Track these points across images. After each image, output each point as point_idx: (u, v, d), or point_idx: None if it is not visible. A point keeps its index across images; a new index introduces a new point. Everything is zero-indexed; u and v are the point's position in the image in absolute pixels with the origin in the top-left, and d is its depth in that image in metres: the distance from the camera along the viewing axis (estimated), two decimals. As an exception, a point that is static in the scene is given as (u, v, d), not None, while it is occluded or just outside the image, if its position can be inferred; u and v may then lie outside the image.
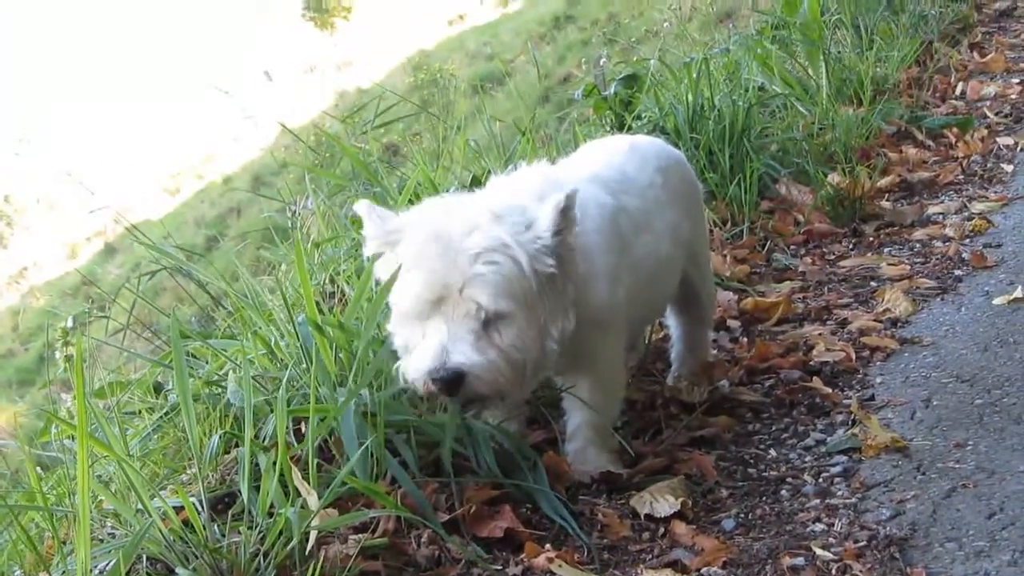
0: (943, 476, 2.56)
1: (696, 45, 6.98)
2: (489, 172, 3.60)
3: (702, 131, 4.69)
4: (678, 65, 5.42)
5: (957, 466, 2.60)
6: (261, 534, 2.16)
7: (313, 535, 2.16)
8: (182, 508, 2.15)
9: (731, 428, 2.94)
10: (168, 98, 27.16)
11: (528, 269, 2.29)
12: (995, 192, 4.77)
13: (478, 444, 2.51)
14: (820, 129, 5.31)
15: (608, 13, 21.16)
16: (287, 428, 2.33)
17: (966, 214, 4.54)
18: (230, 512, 2.32)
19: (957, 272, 3.93)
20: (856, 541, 2.32)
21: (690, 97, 4.82)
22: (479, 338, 2.27)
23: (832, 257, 4.29)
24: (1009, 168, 5.03)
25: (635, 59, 6.47)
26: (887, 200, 4.80)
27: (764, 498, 2.59)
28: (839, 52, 6.28)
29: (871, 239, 4.42)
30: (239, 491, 2.27)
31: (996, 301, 3.58)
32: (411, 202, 3.29)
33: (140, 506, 2.17)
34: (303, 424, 2.47)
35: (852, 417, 2.91)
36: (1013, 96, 6.17)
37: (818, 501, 2.54)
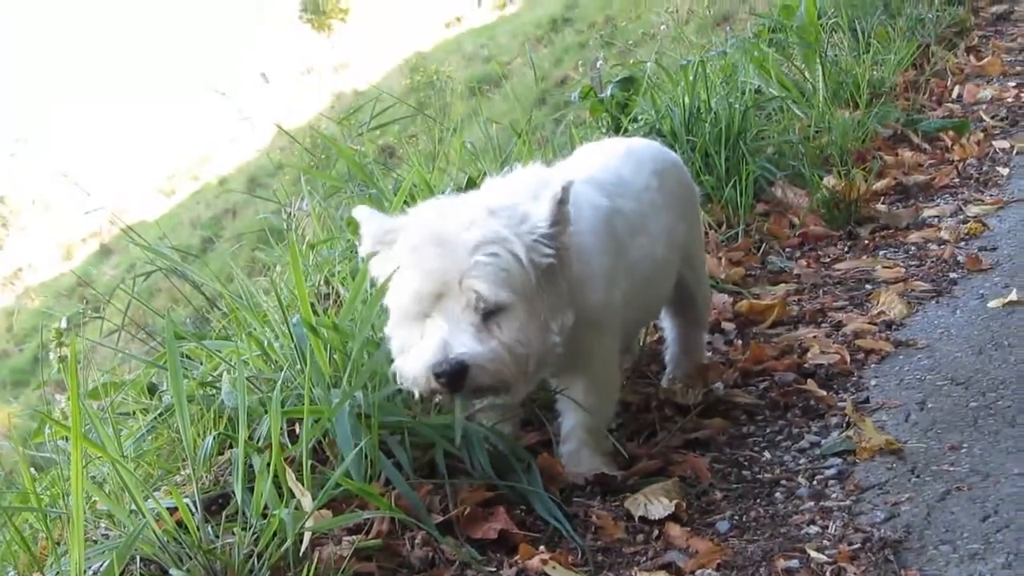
0: (937, 479, 2.56)
1: (693, 48, 6.99)
2: (485, 174, 3.59)
3: (698, 134, 4.70)
4: (675, 68, 5.43)
5: (951, 469, 2.60)
6: (255, 535, 2.16)
7: (307, 536, 2.16)
8: (176, 509, 2.15)
9: (725, 430, 2.94)
10: (164, 99, 27.16)
11: (526, 261, 2.29)
12: (990, 195, 4.78)
13: (472, 446, 2.51)
14: (816, 132, 5.32)
15: (605, 16, 21.19)
16: (281, 429, 2.33)
17: (961, 217, 4.55)
18: (224, 513, 2.32)
19: (952, 275, 3.94)
20: (850, 543, 2.32)
21: (687, 100, 4.83)
22: (480, 330, 2.26)
23: (827, 260, 4.29)
24: (1005, 171, 5.04)
25: (632, 62, 6.48)
26: (883, 203, 4.81)
27: (758, 500, 2.60)
28: (836, 55, 6.30)
29: (866, 242, 4.42)
30: (233, 492, 2.27)
31: (991, 304, 3.58)
32: (407, 203, 3.29)
33: (134, 507, 2.17)
34: (297, 425, 2.47)
35: (846, 420, 2.92)
36: (1009, 100, 6.19)
37: (812, 503, 2.54)
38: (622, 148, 3.05)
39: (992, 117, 5.88)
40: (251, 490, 2.21)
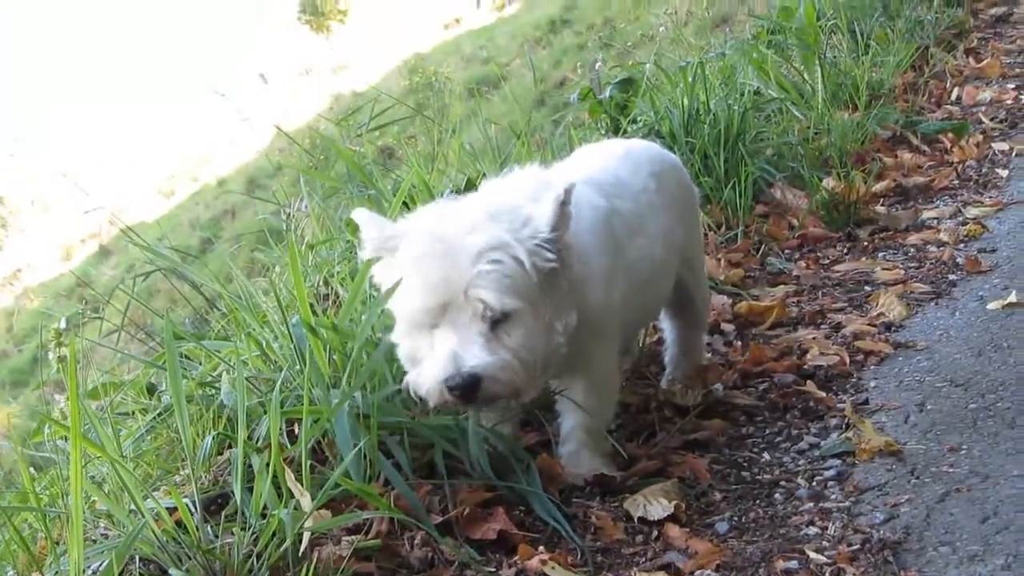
0: (937, 480, 2.56)
1: (692, 49, 7.00)
2: (484, 175, 3.60)
3: (697, 135, 4.70)
4: (674, 69, 5.44)
5: (951, 470, 2.60)
6: (254, 535, 2.16)
7: (306, 536, 2.16)
8: (175, 509, 2.15)
9: (725, 431, 2.94)
10: (163, 100, 27.16)
11: (529, 266, 2.28)
12: (990, 197, 4.78)
13: (472, 446, 2.51)
14: (815, 133, 5.32)
15: (604, 17, 21.20)
16: (280, 430, 2.33)
17: (961, 219, 4.55)
18: (223, 513, 2.32)
19: (951, 277, 3.94)
20: (850, 544, 2.32)
21: (685, 101, 4.83)
22: (489, 340, 2.26)
23: (826, 261, 4.29)
24: (1004, 173, 5.05)
25: (631, 63, 6.49)
26: (882, 205, 4.81)
27: (757, 501, 2.60)
28: (835, 57, 6.30)
29: (865, 243, 4.42)
30: (232, 492, 2.27)
31: (990, 306, 3.58)
32: (406, 205, 3.29)
33: (133, 507, 2.17)
34: (296, 426, 2.47)
35: (846, 421, 2.92)
36: (1008, 101, 6.19)
37: (812, 504, 2.54)
38: (621, 149, 3.05)
39: (991, 119, 5.88)
40: (250, 490, 2.21)
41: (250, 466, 2.28)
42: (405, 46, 25.98)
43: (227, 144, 24.52)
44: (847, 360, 3.31)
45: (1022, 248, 4.10)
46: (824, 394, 3.10)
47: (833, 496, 2.57)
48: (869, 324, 3.58)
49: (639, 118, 5.03)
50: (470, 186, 3.68)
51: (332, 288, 3.34)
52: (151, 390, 3.00)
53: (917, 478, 2.59)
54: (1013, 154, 5.29)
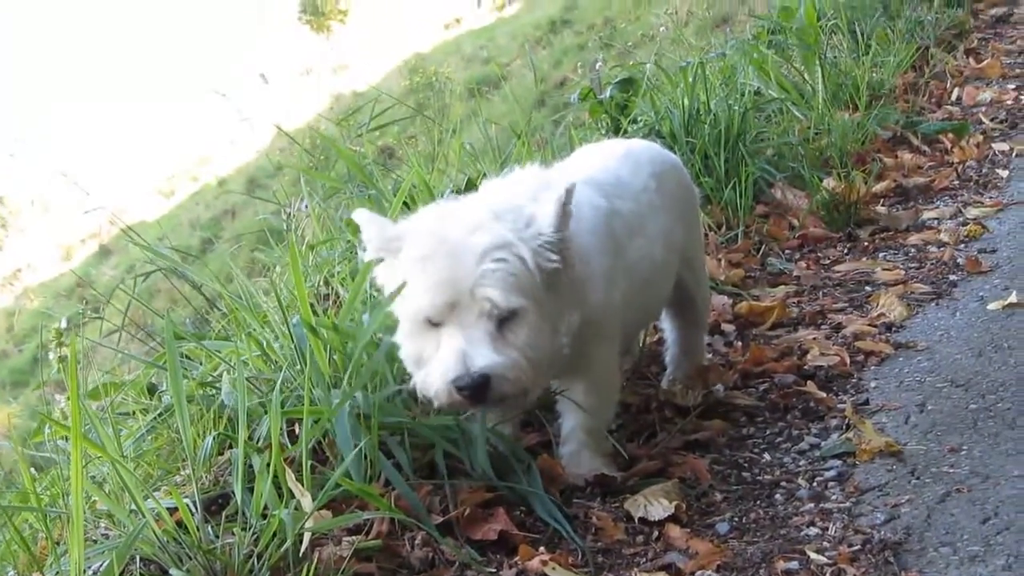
0: (937, 481, 2.56)
1: (692, 50, 7.00)
2: (484, 175, 3.60)
3: (698, 135, 4.70)
4: (674, 69, 5.44)
5: (951, 471, 2.60)
6: (255, 535, 2.15)
7: (307, 537, 2.16)
8: (176, 509, 2.15)
9: (725, 432, 2.94)
10: (163, 100, 27.17)
11: (533, 265, 2.28)
12: (990, 197, 4.78)
13: (472, 447, 2.51)
14: (816, 134, 5.32)
15: (604, 17, 21.22)
16: (281, 430, 2.33)
17: (961, 219, 4.55)
18: (224, 513, 2.32)
19: (952, 277, 3.94)
20: (850, 545, 2.32)
21: (686, 101, 4.83)
22: (496, 339, 2.25)
23: (827, 262, 4.29)
24: (1004, 173, 5.05)
25: (631, 63, 6.49)
26: (882, 205, 4.81)
27: (758, 502, 2.59)
28: (835, 57, 6.30)
29: (866, 244, 4.42)
30: (233, 492, 2.27)
31: (991, 306, 3.58)
32: (406, 205, 3.29)
33: (134, 507, 2.17)
34: (297, 426, 2.47)
35: (846, 421, 2.92)
36: (1008, 102, 6.20)
37: (812, 505, 2.54)
38: (621, 150, 3.05)
39: (991, 119, 5.89)
40: (251, 490, 2.21)
41: (251, 466, 2.28)
42: (405, 46, 26.00)
43: (227, 144, 24.53)
44: (847, 360, 3.31)
45: (1022, 248, 4.10)
46: (825, 395, 3.10)
47: (834, 497, 2.57)
48: (870, 324, 3.57)
49: (639, 118, 5.03)
50: (471, 186, 3.68)
51: (332, 288, 3.33)
52: (152, 390, 3.00)
53: (918, 479, 2.59)
54: (1013, 154, 5.29)
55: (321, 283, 3.39)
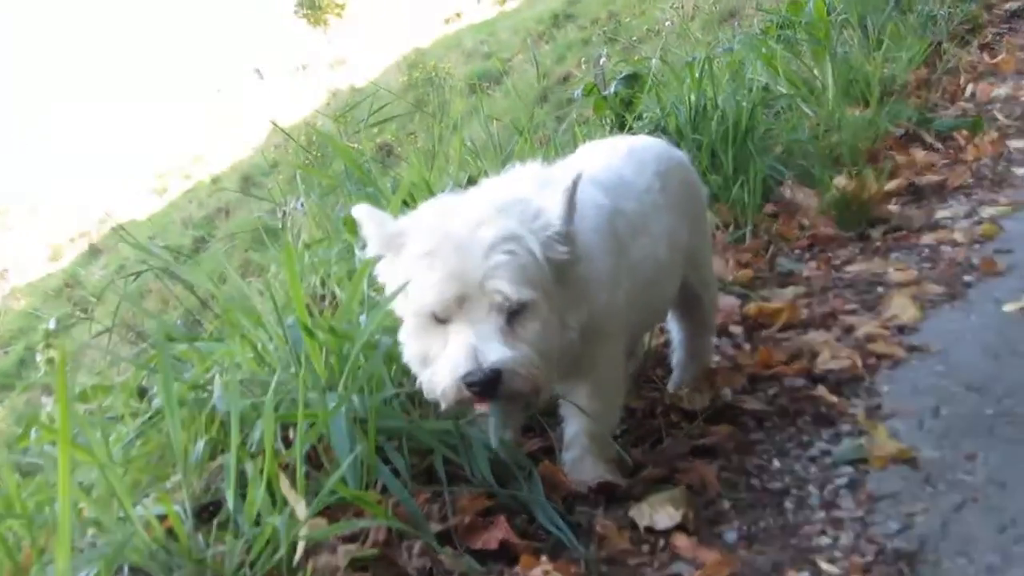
0: (953, 488, 2.55)
1: (699, 44, 7.01)
2: (486, 173, 3.59)
3: (705, 132, 4.69)
4: (680, 64, 5.44)
5: (967, 478, 2.59)
6: (247, 544, 2.14)
7: (301, 545, 2.15)
8: (166, 516, 2.14)
9: (733, 437, 2.92)
10: (156, 95, 27.21)
11: (542, 258, 2.27)
12: (1005, 196, 4.77)
13: (472, 453, 2.50)
14: (826, 131, 5.32)
15: (608, 11, 21.25)
16: (275, 434, 2.31)
17: (975, 219, 4.54)
18: (215, 521, 2.30)
19: (966, 278, 3.92)
20: (863, 555, 2.30)
21: (692, 97, 4.82)
22: (506, 334, 2.23)
23: (838, 262, 4.28)
24: (1020, 171, 5.04)
25: (636, 58, 6.50)
26: (894, 204, 4.80)
27: (768, 510, 2.58)
28: (846, 52, 6.30)
29: (878, 244, 4.41)
30: (225, 499, 2.25)
31: (1006, 308, 3.57)
32: (405, 203, 3.28)
33: (122, 514, 2.16)
34: (291, 430, 2.46)
35: (858, 427, 2.90)
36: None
37: (823, 513, 2.53)
38: (624, 147, 3.04)
39: (1007, 116, 5.88)
40: (243, 497, 2.20)
41: (243, 472, 2.27)
42: (404, 41, 26.04)
43: (221, 141, 24.57)
44: (859, 364, 3.29)
45: (1039, 249, 4.09)
46: (836, 399, 3.09)
47: (845, 505, 2.56)
48: (882, 326, 3.56)
49: (645, 114, 5.03)
50: (471, 184, 3.67)
51: (329, 289, 3.33)
52: (142, 393, 2.99)
53: (932, 486, 2.58)
54: (1029, 152, 5.29)
55: (317, 283, 3.38)
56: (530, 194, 2.38)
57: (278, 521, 2.09)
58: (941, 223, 4.55)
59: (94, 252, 22.15)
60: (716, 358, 3.40)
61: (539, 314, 2.26)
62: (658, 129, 4.75)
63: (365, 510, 2.26)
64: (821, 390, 3.14)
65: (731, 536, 2.46)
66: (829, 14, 6.26)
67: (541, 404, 2.65)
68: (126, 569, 2.16)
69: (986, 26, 7.67)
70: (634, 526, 2.48)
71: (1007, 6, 8.23)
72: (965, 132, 5.54)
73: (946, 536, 2.35)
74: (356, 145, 4.15)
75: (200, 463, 2.48)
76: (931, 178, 5.05)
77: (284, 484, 2.18)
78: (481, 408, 2.32)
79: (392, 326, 2.41)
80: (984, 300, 3.70)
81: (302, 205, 3.94)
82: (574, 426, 2.64)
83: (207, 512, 2.39)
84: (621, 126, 4.99)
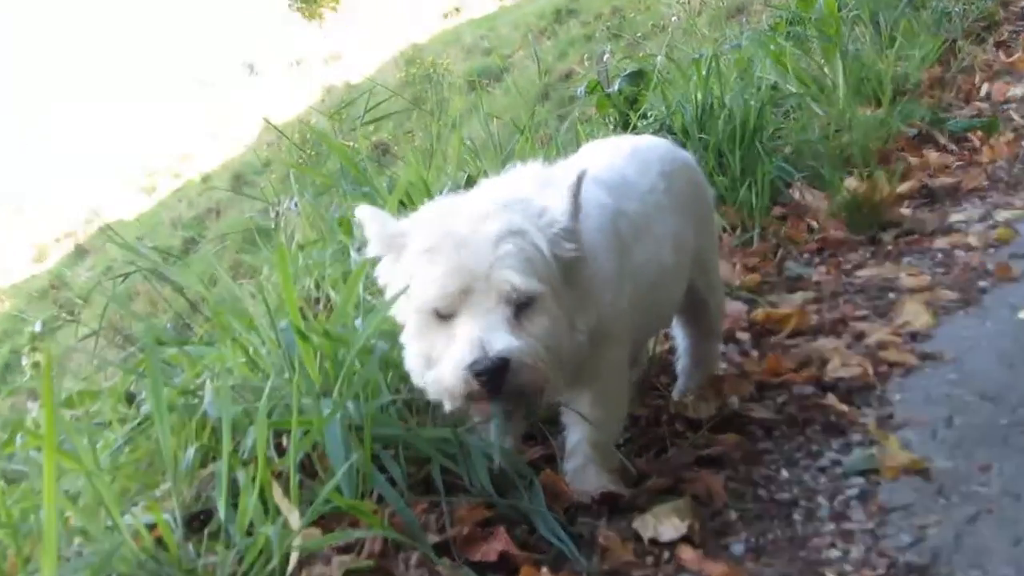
0: (966, 500, 2.55)
1: (706, 41, 7.02)
2: (485, 173, 3.59)
3: (711, 131, 4.70)
4: (686, 62, 5.45)
5: (981, 489, 2.59)
6: (239, 554, 2.15)
7: (294, 556, 2.15)
8: (155, 525, 2.14)
9: (741, 447, 2.93)
10: (144, 92, 27.22)
11: (548, 254, 2.27)
12: (1021, 199, 4.78)
13: (471, 461, 2.50)
14: (836, 131, 5.32)
15: (612, 7, 21.27)
16: (268, 441, 2.32)
17: (991, 222, 4.54)
18: (206, 530, 2.30)
19: (981, 283, 3.93)
20: (874, 568, 2.31)
21: (699, 95, 4.83)
22: (514, 327, 2.23)
23: (848, 266, 4.29)
24: (1037, 174, 5.05)
25: (641, 55, 6.50)
26: (907, 207, 4.80)
27: (776, 522, 2.58)
28: (857, 50, 6.31)
29: (890, 248, 4.42)
30: (216, 508, 2.25)
31: (1022, 315, 3.57)
32: (402, 203, 3.29)
33: (110, 523, 2.16)
34: (285, 437, 2.46)
35: (869, 436, 2.91)
36: (1041, 98, 6.20)
37: (833, 525, 2.53)
38: (628, 147, 3.04)
39: (1023, 116, 5.88)
40: (235, 506, 2.20)
41: (235, 480, 2.27)
42: (402, 36, 26.05)
43: (212, 138, 24.57)
44: (870, 371, 3.30)
45: (1056, 253, 4.10)
46: (846, 408, 3.09)
47: (856, 517, 2.56)
48: (893, 333, 3.56)
49: (649, 113, 5.04)
50: (470, 184, 3.67)
51: (323, 291, 3.33)
52: (130, 399, 2.99)
53: (945, 498, 2.58)
54: (1046, 154, 5.29)
55: (311, 286, 3.38)
56: (531, 194, 2.39)
57: (271, 531, 2.10)
58: (955, 227, 4.55)
59: (80, 253, 22.15)
60: (723, 365, 3.40)
61: (547, 309, 2.26)
62: (663, 128, 4.75)
63: (360, 520, 2.27)
64: (831, 399, 3.14)
65: (738, 548, 2.46)
66: (840, 10, 6.26)
67: (545, 407, 2.64)
68: (114, 580, 2.17)
69: (1002, 23, 7.68)
70: (638, 538, 2.48)
71: (1023, 3, 8.24)
72: (980, 133, 5.55)
73: (959, 549, 2.35)
74: (351, 143, 4.15)
75: (190, 471, 2.48)
76: (945, 180, 5.06)
77: (277, 493, 2.18)
78: (482, 412, 2.32)
79: (389, 330, 2.41)
80: (999, 306, 3.70)
81: (296, 205, 3.95)
82: (576, 434, 2.64)
83: (197, 521, 2.39)
84: (625, 125, 5.00)
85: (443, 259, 2.24)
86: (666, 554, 2.43)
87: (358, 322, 2.63)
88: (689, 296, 3.10)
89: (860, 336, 3.59)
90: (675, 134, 4.65)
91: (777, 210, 4.69)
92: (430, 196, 3.36)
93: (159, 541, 2.15)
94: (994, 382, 3.15)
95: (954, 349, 3.42)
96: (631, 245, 2.70)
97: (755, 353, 3.57)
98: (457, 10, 28.19)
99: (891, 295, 3.93)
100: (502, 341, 2.19)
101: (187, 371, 2.90)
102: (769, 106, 4.98)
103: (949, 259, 4.23)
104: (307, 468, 2.46)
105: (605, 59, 7.03)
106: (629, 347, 2.82)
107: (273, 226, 3.96)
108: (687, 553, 2.40)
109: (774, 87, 5.48)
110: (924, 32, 6.67)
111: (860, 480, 2.72)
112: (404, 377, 2.42)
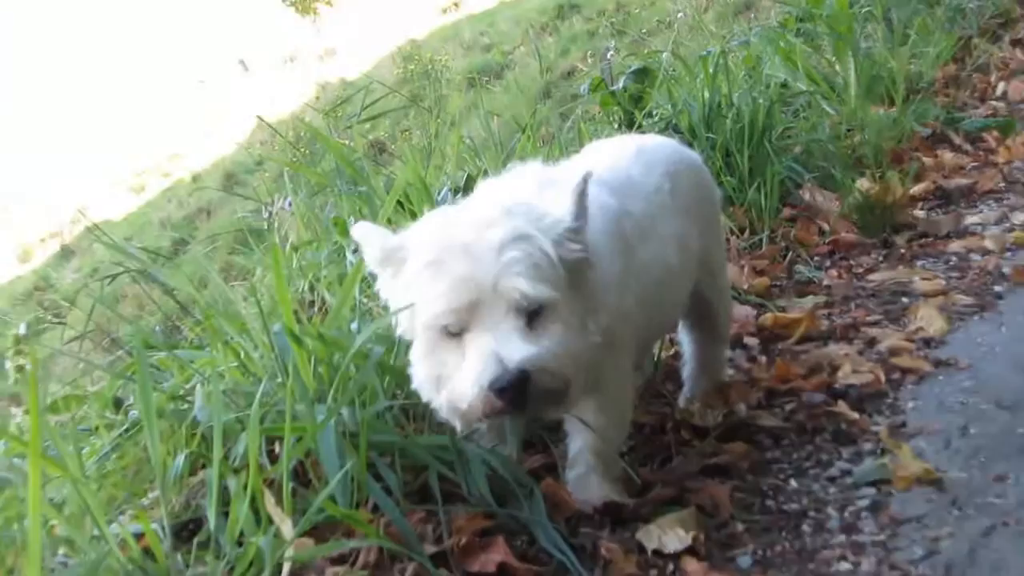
0: (981, 512, 2.55)
1: (713, 37, 7.02)
2: (485, 172, 3.60)
3: (719, 131, 4.70)
4: (693, 59, 5.45)
5: (997, 501, 2.59)
6: (229, 565, 2.14)
7: (287, 566, 2.15)
8: (143, 535, 2.14)
9: (748, 455, 2.93)
10: (134, 89, 27.23)
11: (555, 257, 2.26)
12: (1039, 202, 4.79)
13: (470, 469, 2.50)
14: (848, 130, 5.33)
15: (616, 2, 21.29)
16: (260, 448, 2.32)
17: (1007, 225, 4.55)
18: (195, 540, 2.30)
19: (997, 288, 3.93)
20: (885, 582, 2.31)
21: (706, 93, 4.84)
22: (527, 335, 2.21)
23: (860, 270, 4.29)
24: (1054, 176, 5.05)
25: (646, 52, 6.51)
26: (920, 209, 4.81)
27: (784, 533, 2.58)
28: (869, 47, 6.31)
29: (903, 251, 4.42)
30: (206, 517, 2.26)
31: (1039, 321, 3.58)
32: (400, 204, 3.29)
33: (96, 532, 2.16)
34: (277, 444, 2.46)
35: (881, 445, 2.91)
36: (1058, 97, 6.20)
37: (843, 537, 2.53)
38: (632, 147, 3.04)
39: (1040, 116, 5.89)
40: (226, 515, 2.20)
41: (226, 488, 2.27)
42: (399, 31, 26.06)
43: (203, 136, 24.58)
44: (882, 378, 3.30)
45: (1074, 258, 4.10)
46: (857, 415, 3.09)
47: (867, 528, 2.56)
48: (906, 339, 3.57)
49: (655, 111, 5.04)
50: (470, 183, 3.68)
51: (318, 294, 3.33)
52: (118, 404, 3.00)
53: (959, 509, 2.58)
54: (1064, 155, 5.30)
55: (306, 288, 3.39)
56: (531, 195, 2.38)
57: (262, 541, 2.09)
58: (970, 229, 4.56)
59: (66, 253, 22.16)
60: (730, 371, 3.41)
61: (560, 315, 2.24)
62: (669, 127, 4.76)
63: (355, 529, 2.27)
64: (842, 406, 3.14)
65: (745, 561, 2.46)
66: (852, 6, 6.27)
67: (571, 406, 2.61)
68: (100, 591, 2.17)
69: (1019, 20, 7.68)
70: (642, 549, 2.48)
71: (1041, -1, 8.25)
72: (996, 133, 5.56)
73: (974, 562, 2.35)
74: (347, 141, 4.15)
75: (180, 478, 2.48)
76: (959, 181, 5.06)
77: (269, 501, 2.18)
78: (498, 431, 2.31)
79: (385, 335, 2.41)
80: (1016, 312, 3.70)
81: (290, 204, 3.95)
82: (579, 442, 2.64)
83: (187, 530, 2.39)
84: (630, 124, 5.00)
85: (447, 272, 2.22)
86: (670, 566, 2.43)
87: (354, 325, 2.64)
88: (695, 300, 3.10)
89: (872, 342, 3.59)
90: (681, 133, 4.65)
91: (787, 212, 4.70)
92: (428, 196, 3.37)
93: (147, 551, 2.14)
94: (1010, 390, 3.15)
95: (969, 356, 3.42)
96: (636, 246, 2.70)
97: (763, 359, 3.57)
98: (456, 5, 28.22)
99: (904, 300, 3.93)
100: (520, 352, 2.16)
101: (177, 375, 2.91)
102: (778, 105, 4.98)
103: (964, 263, 4.23)
104: (300, 476, 2.47)
105: (609, 56, 7.04)
106: (633, 352, 2.82)
107: (266, 226, 3.96)
108: (692, 565, 2.40)
109: (784, 85, 5.48)
110: (938, 29, 6.67)
111: (871, 490, 2.71)
112: (400, 382, 2.42)
